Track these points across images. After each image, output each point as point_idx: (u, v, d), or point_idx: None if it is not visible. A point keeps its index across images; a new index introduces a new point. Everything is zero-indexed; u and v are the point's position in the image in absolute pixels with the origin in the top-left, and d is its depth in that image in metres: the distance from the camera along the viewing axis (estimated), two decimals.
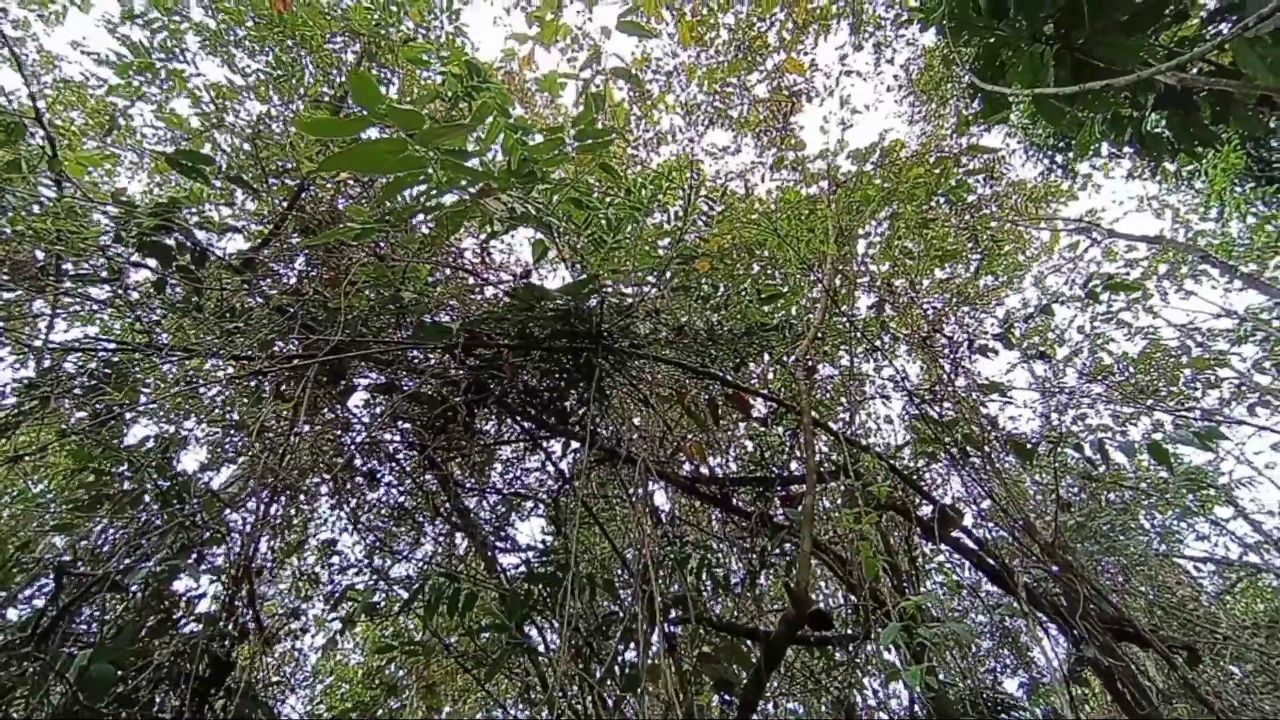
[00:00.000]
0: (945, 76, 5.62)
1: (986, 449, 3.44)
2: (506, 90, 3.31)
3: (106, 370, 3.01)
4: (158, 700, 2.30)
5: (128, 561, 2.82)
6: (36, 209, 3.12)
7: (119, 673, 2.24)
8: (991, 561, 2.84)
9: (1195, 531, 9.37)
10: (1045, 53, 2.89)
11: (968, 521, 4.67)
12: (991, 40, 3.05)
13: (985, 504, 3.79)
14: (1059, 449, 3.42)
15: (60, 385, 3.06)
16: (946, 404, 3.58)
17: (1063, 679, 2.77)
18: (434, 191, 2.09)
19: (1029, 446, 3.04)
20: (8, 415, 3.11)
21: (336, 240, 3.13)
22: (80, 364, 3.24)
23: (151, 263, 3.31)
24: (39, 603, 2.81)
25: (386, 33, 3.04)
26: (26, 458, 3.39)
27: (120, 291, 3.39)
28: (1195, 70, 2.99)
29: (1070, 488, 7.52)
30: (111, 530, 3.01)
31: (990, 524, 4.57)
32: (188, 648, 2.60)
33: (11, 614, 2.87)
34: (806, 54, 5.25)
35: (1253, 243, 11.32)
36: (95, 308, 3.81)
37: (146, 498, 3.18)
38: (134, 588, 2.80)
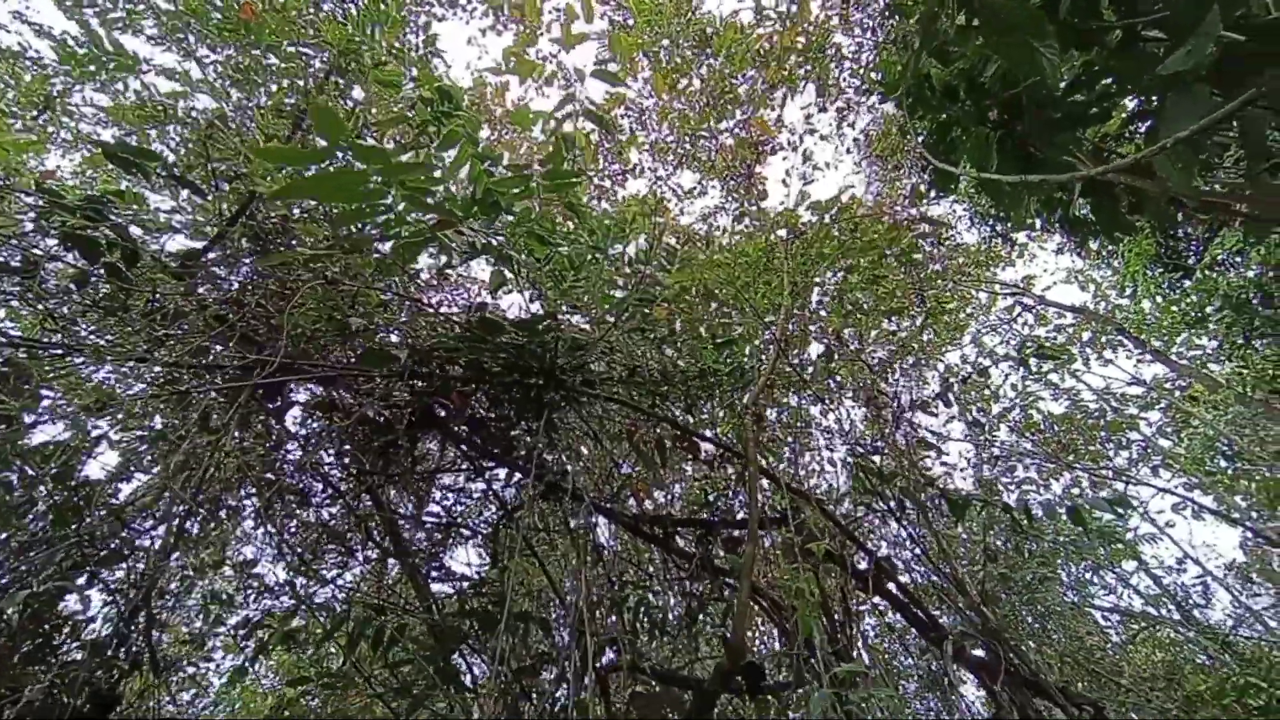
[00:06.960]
0: (900, 145, 5.99)
1: (923, 500, 3.57)
2: (476, 116, 3.31)
3: (5, 368, 2.76)
4: None
5: (4, 580, 2.56)
6: None
7: None
8: (922, 615, 2.93)
9: (1104, 584, 10.01)
10: (990, 136, 3.13)
11: (899, 568, 4.79)
12: (944, 118, 3.28)
13: (916, 553, 3.91)
14: (987, 506, 3.59)
15: None
16: (887, 456, 3.71)
17: None
18: (393, 220, 2.05)
19: (960, 502, 3.18)
20: None
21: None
22: None
23: (73, 257, 3.08)
24: None
25: (358, 48, 2.99)
26: None
27: (32, 284, 3.14)
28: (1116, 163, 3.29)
29: (998, 538, 7.88)
30: None
31: (920, 570, 4.70)
32: (67, 679, 2.36)
33: None
34: (774, 109, 5.50)
35: (1159, 321, 12.41)
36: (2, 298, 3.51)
37: (41, 506, 2.91)
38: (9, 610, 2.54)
